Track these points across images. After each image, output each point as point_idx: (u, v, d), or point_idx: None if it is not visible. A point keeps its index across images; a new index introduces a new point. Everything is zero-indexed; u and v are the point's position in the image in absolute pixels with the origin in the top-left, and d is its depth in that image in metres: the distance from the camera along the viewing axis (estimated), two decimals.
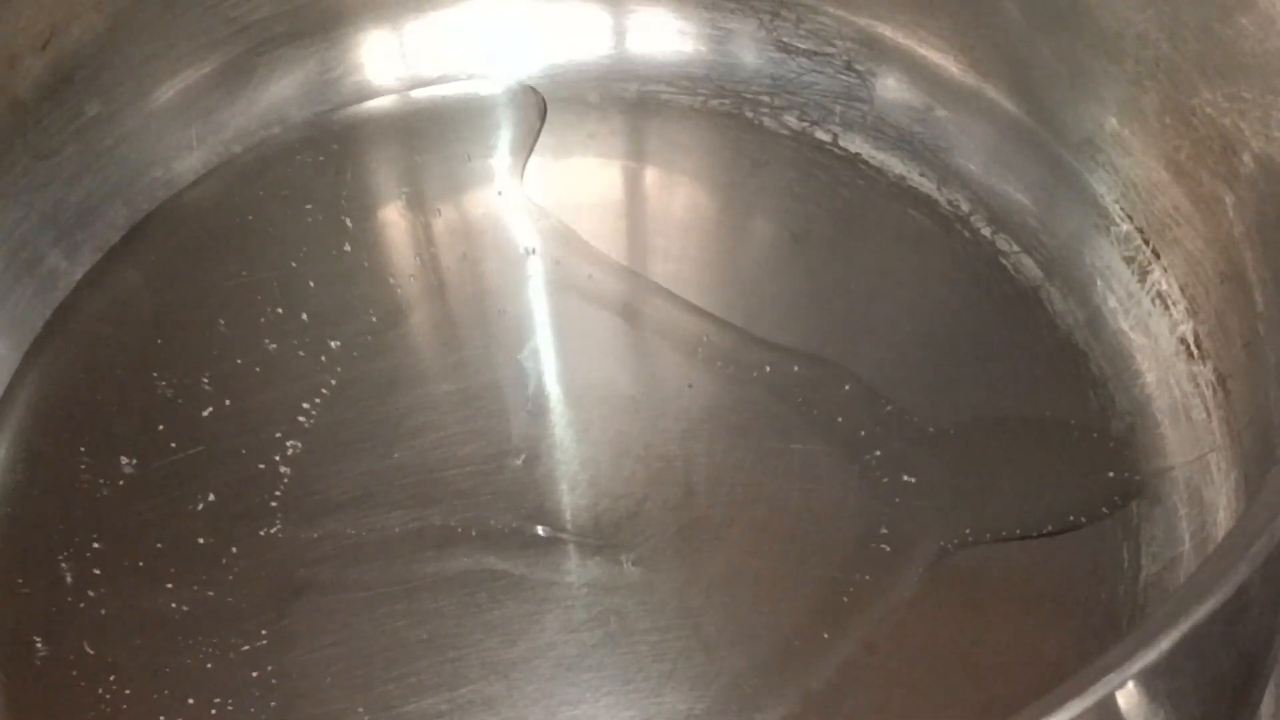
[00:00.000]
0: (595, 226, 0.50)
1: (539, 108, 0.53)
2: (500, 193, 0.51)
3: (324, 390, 0.45)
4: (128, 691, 0.39)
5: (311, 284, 0.48)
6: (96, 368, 0.46)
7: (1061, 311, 0.47)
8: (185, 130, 0.52)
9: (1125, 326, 0.46)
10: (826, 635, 0.40)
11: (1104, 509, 0.42)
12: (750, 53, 0.54)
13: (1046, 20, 0.47)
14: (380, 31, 0.54)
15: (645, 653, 0.40)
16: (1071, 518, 0.42)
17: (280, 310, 0.47)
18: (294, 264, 0.49)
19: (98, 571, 0.42)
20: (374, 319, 0.47)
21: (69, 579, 0.42)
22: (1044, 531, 0.42)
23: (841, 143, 0.52)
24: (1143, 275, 0.46)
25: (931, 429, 0.44)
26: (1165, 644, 0.25)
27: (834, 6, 0.52)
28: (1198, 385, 0.44)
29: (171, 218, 0.51)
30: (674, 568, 0.41)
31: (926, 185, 0.51)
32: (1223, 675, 0.29)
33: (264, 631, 0.40)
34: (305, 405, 0.45)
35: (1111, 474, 0.43)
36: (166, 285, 0.49)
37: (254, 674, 0.40)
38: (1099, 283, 0.47)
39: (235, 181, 0.52)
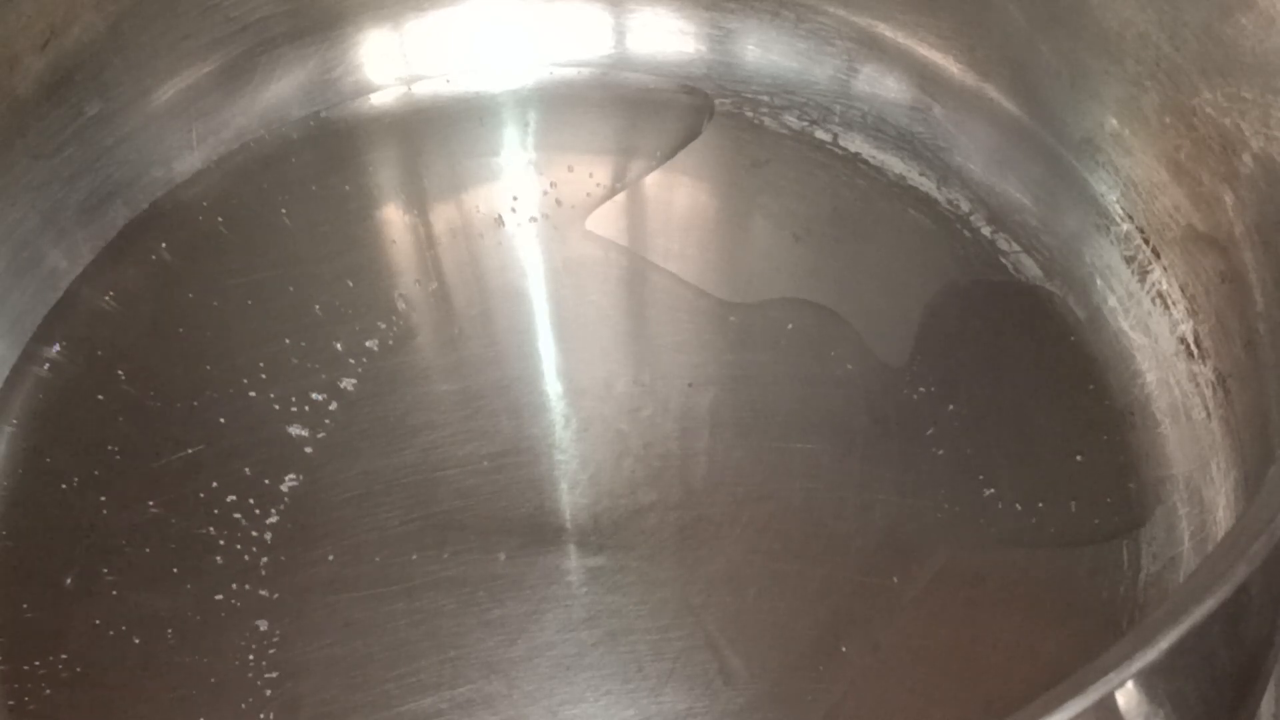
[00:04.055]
0: (596, 225, 0.50)
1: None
2: (516, 199, 0.51)
3: (324, 390, 0.45)
4: (129, 691, 0.39)
5: (312, 284, 0.48)
6: (96, 367, 0.46)
7: (1061, 311, 0.47)
8: (185, 130, 0.52)
9: (1125, 326, 0.46)
10: (827, 634, 0.40)
11: (1105, 510, 0.42)
12: (750, 52, 0.54)
13: (1047, 20, 0.47)
14: (380, 31, 0.54)
15: (645, 652, 0.40)
16: (1072, 515, 0.42)
17: (280, 310, 0.47)
18: (294, 264, 0.49)
19: (97, 571, 0.42)
20: (374, 319, 0.47)
21: (69, 579, 0.42)
22: (1045, 531, 0.42)
23: (841, 142, 0.52)
24: (1143, 275, 0.46)
25: (931, 429, 0.44)
26: (1165, 643, 0.25)
27: (834, 6, 0.52)
28: (1198, 385, 0.44)
29: (172, 217, 0.51)
30: (674, 567, 0.41)
31: (926, 185, 0.51)
32: (1223, 675, 0.29)
33: (264, 631, 0.40)
34: (305, 405, 0.45)
35: (1112, 474, 0.43)
36: (166, 285, 0.49)
37: (255, 673, 0.40)
38: (1099, 282, 0.47)
39: (235, 181, 0.52)
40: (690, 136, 0.52)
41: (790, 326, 0.47)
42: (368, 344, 0.47)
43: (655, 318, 0.48)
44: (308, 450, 0.44)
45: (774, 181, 0.51)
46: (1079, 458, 0.44)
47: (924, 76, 0.52)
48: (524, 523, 0.42)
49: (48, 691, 0.40)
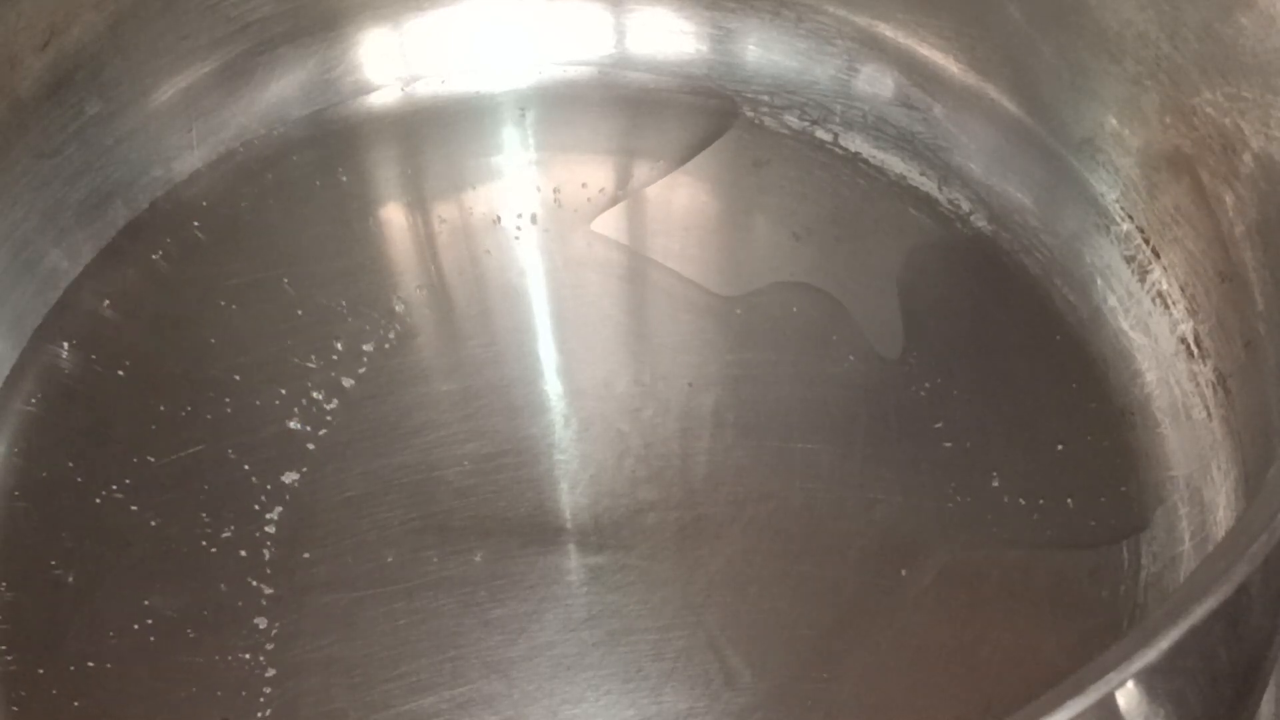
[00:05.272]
0: (596, 226, 0.50)
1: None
2: (515, 199, 0.51)
3: (324, 389, 0.45)
4: (129, 690, 0.39)
5: (311, 284, 0.48)
6: (96, 367, 0.46)
7: (1062, 311, 0.47)
8: (185, 130, 0.52)
9: (1125, 326, 0.46)
10: (828, 634, 0.40)
11: (1105, 510, 0.42)
12: (751, 52, 0.54)
13: (1047, 19, 0.47)
14: (380, 30, 0.54)
15: (645, 652, 0.40)
16: (1072, 515, 0.42)
17: (280, 310, 0.47)
18: (294, 263, 0.49)
19: (97, 570, 0.42)
20: (374, 318, 0.47)
21: (68, 578, 0.42)
22: (1045, 531, 0.42)
23: (842, 142, 0.52)
24: (1143, 274, 0.46)
25: (933, 427, 0.44)
26: (1165, 643, 0.25)
27: (834, 6, 0.52)
28: (1198, 385, 0.44)
29: (172, 217, 0.50)
30: (674, 566, 0.41)
31: (927, 184, 0.51)
32: (1223, 674, 0.29)
33: (264, 629, 0.40)
34: (305, 405, 0.45)
35: (1112, 474, 0.43)
36: (166, 284, 0.49)
37: (254, 673, 0.39)
38: (1099, 282, 0.47)
39: (235, 181, 0.52)
40: (703, 138, 0.52)
41: (788, 326, 0.47)
42: (368, 344, 0.47)
43: (655, 317, 0.48)
44: (309, 448, 0.44)
45: (775, 181, 0.51)
46: (1078, 457, 0.44)
47: (924, 76, 0.52)
48: (524, 522, 0.42)
49: (48, 690, 0.40)
